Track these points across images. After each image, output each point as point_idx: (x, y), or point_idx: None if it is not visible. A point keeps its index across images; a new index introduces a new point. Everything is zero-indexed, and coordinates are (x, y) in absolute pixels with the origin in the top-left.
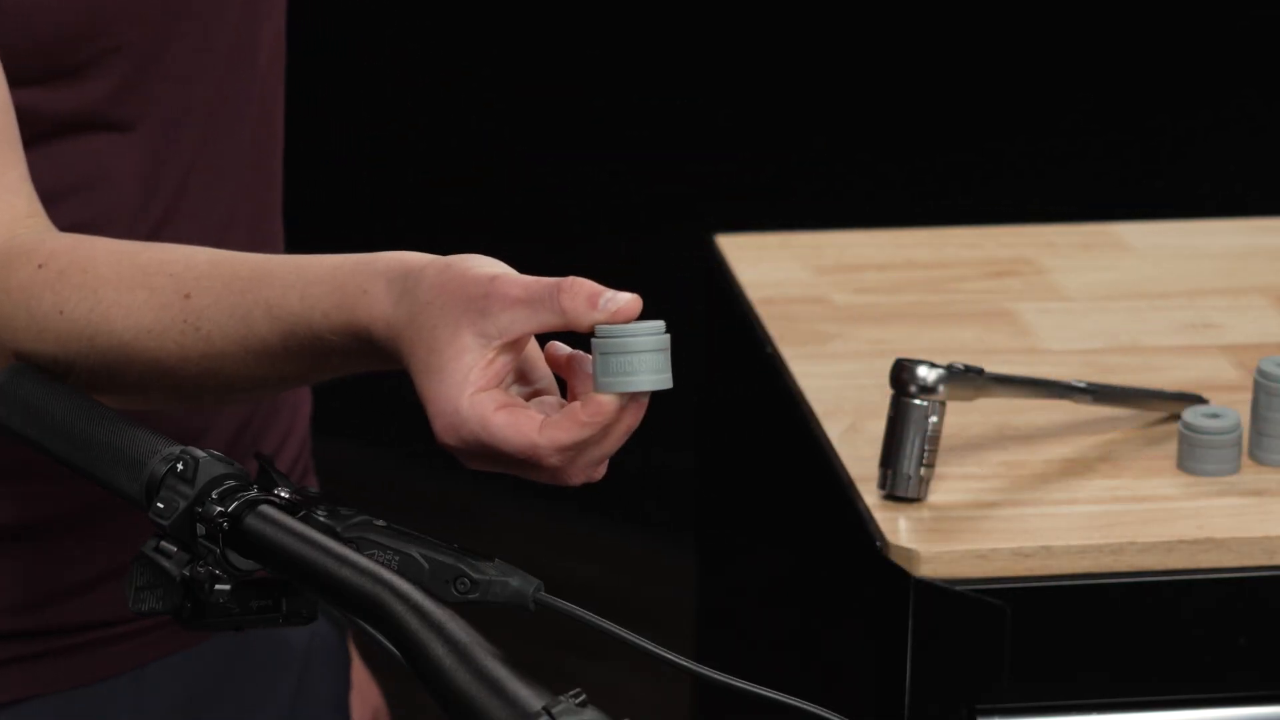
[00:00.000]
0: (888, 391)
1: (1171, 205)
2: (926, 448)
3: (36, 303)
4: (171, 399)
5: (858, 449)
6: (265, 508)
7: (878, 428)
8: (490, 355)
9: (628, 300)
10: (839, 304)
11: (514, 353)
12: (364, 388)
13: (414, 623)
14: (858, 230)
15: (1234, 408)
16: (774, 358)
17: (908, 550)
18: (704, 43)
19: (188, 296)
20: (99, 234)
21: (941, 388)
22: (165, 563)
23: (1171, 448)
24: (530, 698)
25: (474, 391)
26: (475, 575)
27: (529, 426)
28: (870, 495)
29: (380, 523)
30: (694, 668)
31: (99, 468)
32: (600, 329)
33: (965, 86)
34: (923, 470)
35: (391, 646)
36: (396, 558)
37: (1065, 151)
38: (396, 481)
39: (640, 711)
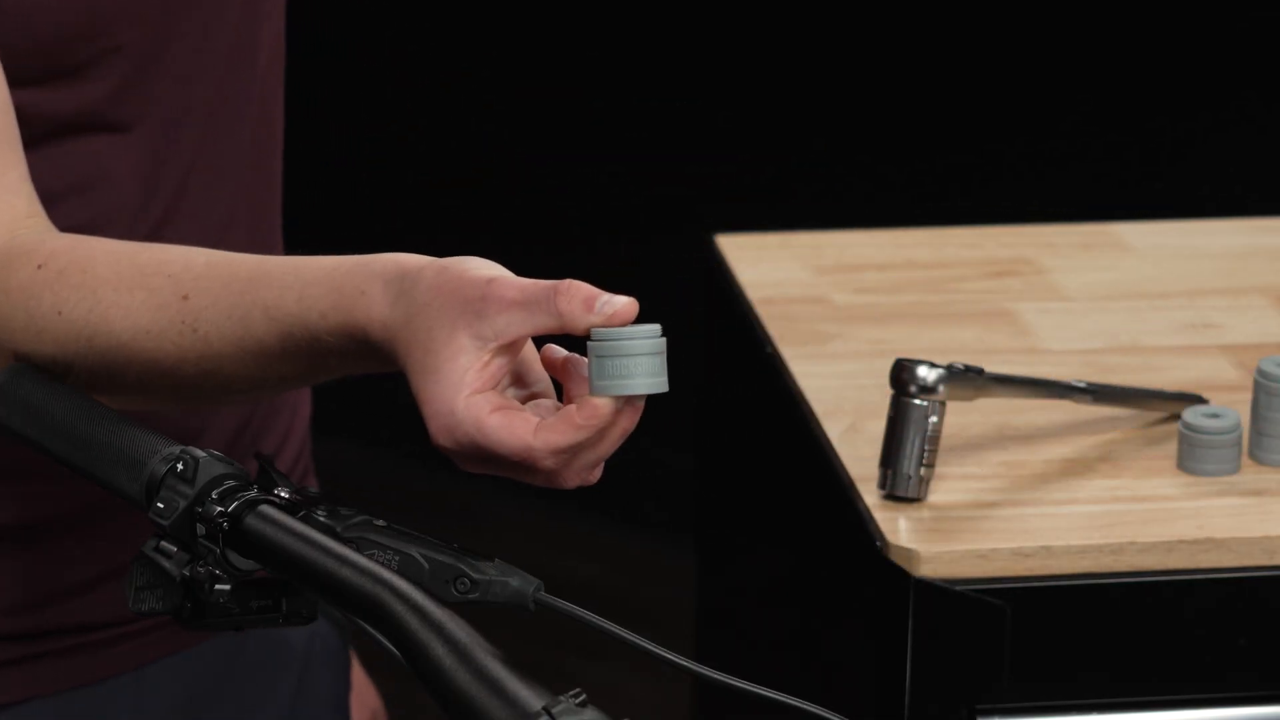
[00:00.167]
0: (888, 391)
1: (1171, 205)
2: (926, 448)
3: (35, 303)
4: (170, 399)
5: (858, 449)
6: (265, 508)
7: (878, 428)
8: (486, 357)
9: (624, 304)
10: (839, 304)
11: (510, 355)
12: (363, 388)
13: (414, 623)
14: (858, 230)
15: (1234, 408)
16: (774, 358)
17: (908, 550)
18: (704, 43)
19: (185, 297)
20: (99, 234)
21: (941, 388)
22: (165, 563)
23: (1171, 448)
24: (530, 698)
25: (469, 393)
26: (475, 575)
27: (524, 429)
28: (870, 495)
29: (380, 523)
30: (694, 668)
31: (99, 468)
32: (596, 332)
33: (965, 88)
34: (923, 470)
35: (391, 646)
36: (396, 558)
37: (1065, 152)
38: (396, 481)
39: (640, 711)
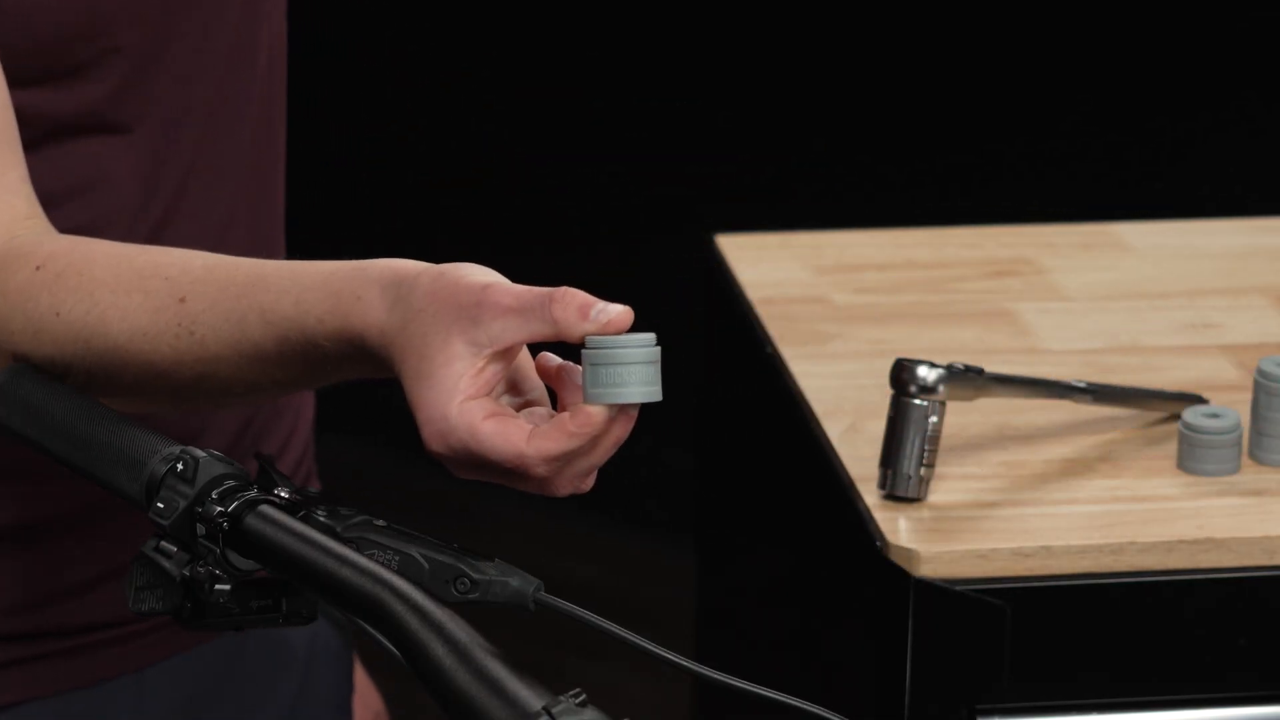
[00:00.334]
0: (888, 391)
1: (1171, 205)
2: (926, 448)
3: (33, 305)
4: (167, 401)
5: (858, 449)
6: (265, 508)
7: (878, 428)
8: (480, 364)
9: (619, 312)
10: (839, 304)
11: (504, 362)
12: (363, 388)
13: (414, 623)
14: (858, 230)
15: (1234, 408)
16: (774, 358)
17: (908, 550)
18: (704, 43)
19: (183, 300)
20: (99, 236)
21: (941, 388)
22: (165, 563)
23: (1171, 448)
24: (530, 698)
25: (463, 399)
26: (475, 575)
27: (517, 436)
28: (870, 495)
29: (380, 523)
30: (694, 668)
31: (99, 468)
32: (591, 340)
33: (965, 88)
34: (923, 470)
35: (391, 646)
36: (396, 558)
37: (1065, 152)
38: (396, 481)
39: (640, 711)
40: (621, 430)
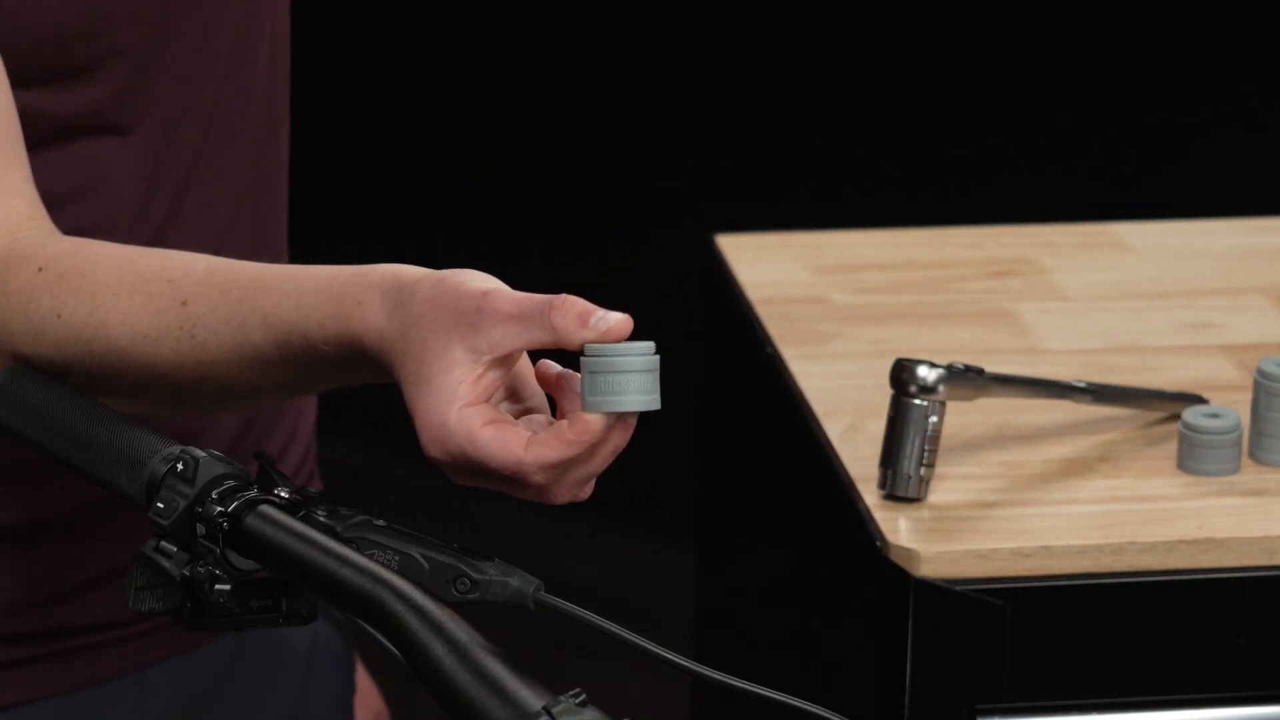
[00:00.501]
0: (888, 391)
1: (1171, 205)
2: (926, 448)
3: (35, 306)
4: (168, 404)
5: (858, 449)
6: (265, 508)
7: (878, 428)
8: (480, 370)
9: (618, 320)
10: (839, 304)
11: (504, 369)
12: (364, 389)
13: (414, 623)
14: (858, 230)
15: (1234, 408)
16: (774, 358)
17: (908, 550)
18: (704, 42)
19: (185, 303)
20: (102, 238)
21: (941, 388)
22: (165, 563)
23: (1171, 448)
24: (530, 698)
25: (462, 406)
26: (475, 575)
27: (515, 443)
28: (870, 495)
29: (380, 523)
30: (694, 668)
31: (99, 468)
32: (590, 348)
33: (964, 85)
34: (923, 470)
35: (391, 646)
36: (396, 558)
37: (1065, 150)
38: (396, 481)
39: (640, 711)
40: (620, 438)
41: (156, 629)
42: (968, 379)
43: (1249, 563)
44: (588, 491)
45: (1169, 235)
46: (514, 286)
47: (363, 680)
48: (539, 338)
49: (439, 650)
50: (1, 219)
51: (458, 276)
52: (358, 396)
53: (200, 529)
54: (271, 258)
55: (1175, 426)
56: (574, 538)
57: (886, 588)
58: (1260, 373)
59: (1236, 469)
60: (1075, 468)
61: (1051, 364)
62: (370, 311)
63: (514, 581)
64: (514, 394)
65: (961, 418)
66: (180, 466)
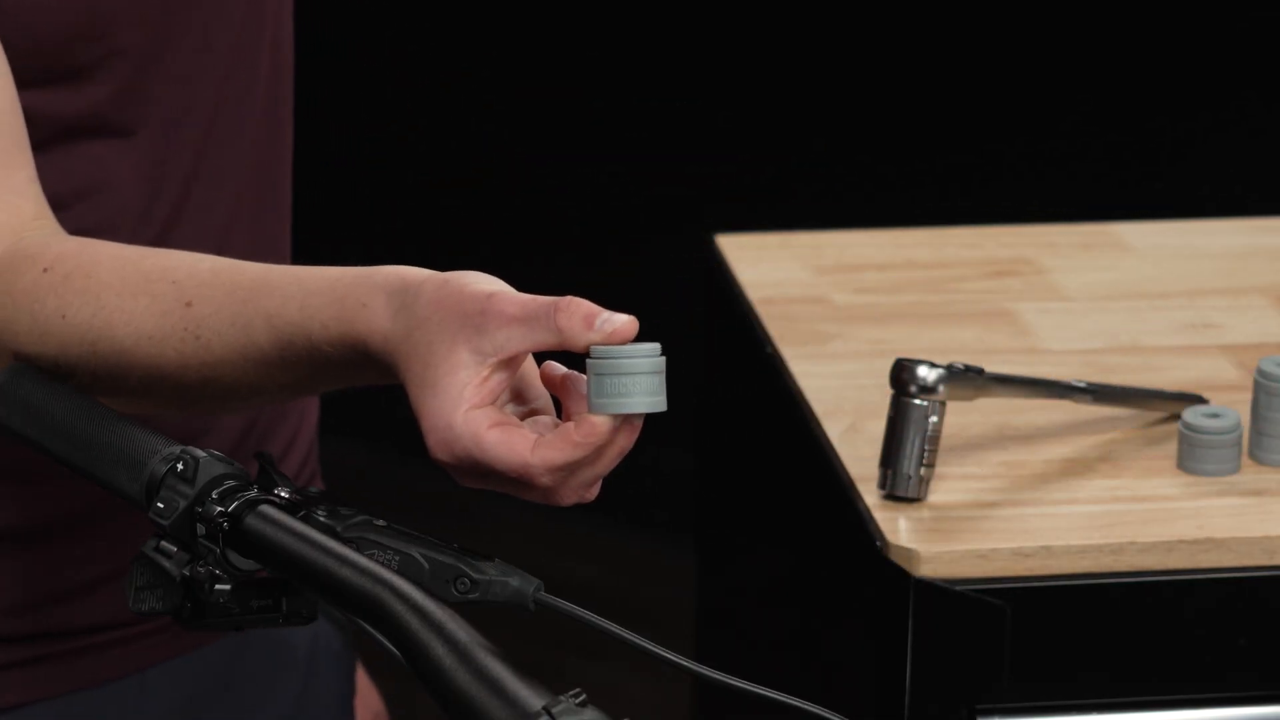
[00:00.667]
0: (888, 391)
1: (1171, 205)
2: (926, 448)
3: (40, 306)
4: (172, 405)
5: (858, 449)
6: (265, 508)
7: (878, 428)
8: (485, 372)
9: (624, 321)
10: (839, 304)
11: (509, 370)
12: (366, 390)
13: (414, 622)
14: (858, 230)
15: (1234, 408)
16: (774, 358)
17: (908, 550)
18: (704, 43)
19: (189, 304)
20: (105, 239)
21: (941, 388)
22: (165, 563)
23: (1171, 448)
24: (530, 697)
25: (468, 408)
26: (475, 575)
27: (522, 445)
28: (870, 495)
29: (380, 523)
30: (694, 668)
31: (99, 468)
32: (596, 350)
33: (965, 88)
34: (923, 470)
35: (391, 646)
36: (396, 558)
37: (1065, 152)
38: (397, 481)
39: (640, 711)
40: (626, 440)
41: (157, 629)
42: (968, 379)
43: (1249, 563)
44: (594, 493)
45: (1169, 235)
46: (516, 288)
47: (362, 680)
48: (544, 339)
49: (439, 650)
50: (7, 219)
51: (463, 279)
52: (359, 397)
53: (200, 529)
54: (274, 259)
55: (1175, 426)
56: (574, 538)
57: (886, 588)
58: (1260, 373)
59: (1236, 469)
60: (1075, 468)
61: (1051, 364)
62: (375, 313)
63: (514, 581)
64: (519, 395)
65: (961, 418)
66: (180, 466)
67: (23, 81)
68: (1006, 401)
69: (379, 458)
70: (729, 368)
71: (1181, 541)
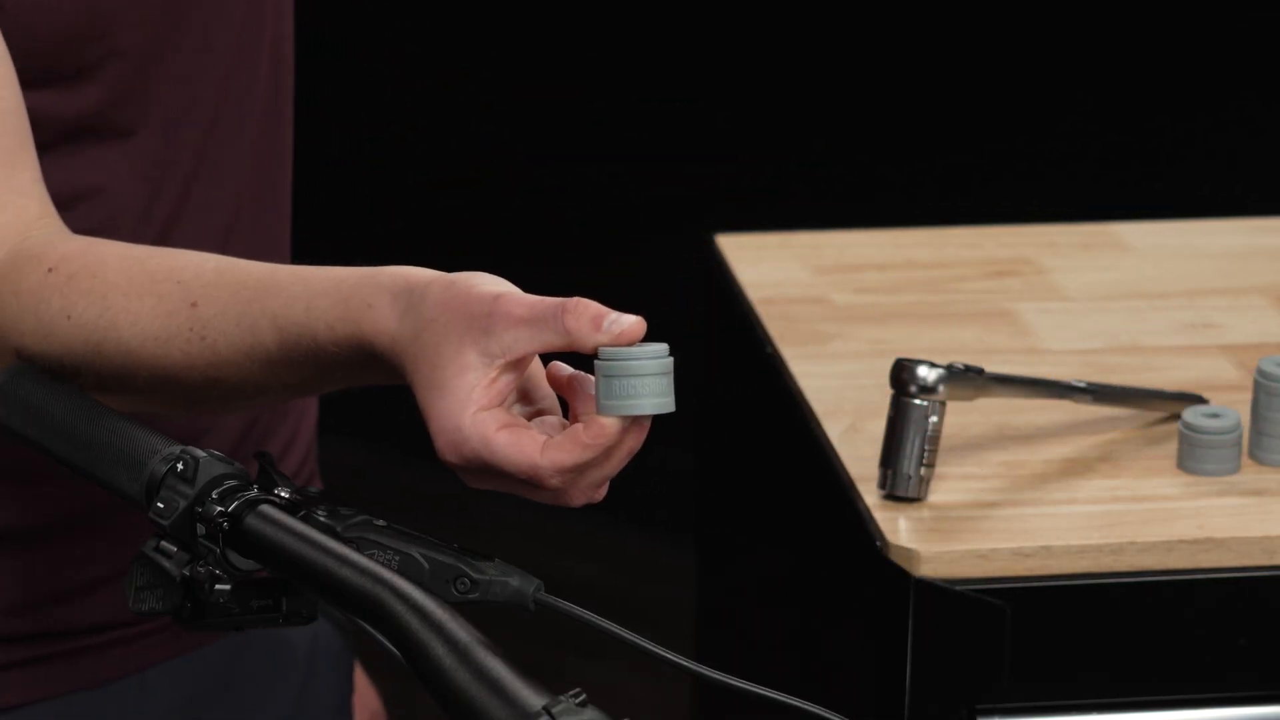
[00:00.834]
0: (888, 391)
1: (1171, 205)
2: (926, 448)
3: (45, 306)
4: (177, 405)
5: (858, 449)
6: (265, 507)
7: (878, 428)
8: (493, 374)
9: (632, 322)
10: (839, 304)
11: (517, 372)
12: (365, 389)
13: (414, 622)
14: (858, 230)
15: (1234, 408)
16: (774, 358)
17: (908, 550)
18: (704, 43)
19: (194, 305)
20: (106, 239)
21: (941, 388)
22: (165, 563)
23: (1171, 448)
24: (530, 697)
25: (476, 410)
26: (475, 575)
27: (531, 446)
28: (870, 495)
29: (380, 523)
30: (694, 668)
31: (99, 468)
32: (604, 351)
33: (965, 88)
34: (923, 470)
35: (391, 646)
36: (396, 558)
37: (1065, 152)
38: (396, 481)
39: (640, 711)
40: (634, 441)
41: (157, 629)
42: (968, 379)
43: (1249, 563)
44: (602, 493)
45: (1169, 235)
46: (518, 288)
47: (359, 680)
48: (552, 341)
49: (439, 650)
50: (12, 219)
51: (469, 280)
52: (359, 397)
53: (200, 529)
54: (274, 258)
55: (1175, 426)
56: (574, 537)
57: (886, 588)
58: (1260, 373)
59: (1236, 469)
60: (1075, 468)
61: (1051, 364)
62: (380, 314)
63: (514, 581)
64: (526, 396)
65: (961, 418)
66: (180, 466)
67: (24, 82)
68: (1006, 401)
69: (379, 458)
70: (729, 368)
71: (1181, 541)
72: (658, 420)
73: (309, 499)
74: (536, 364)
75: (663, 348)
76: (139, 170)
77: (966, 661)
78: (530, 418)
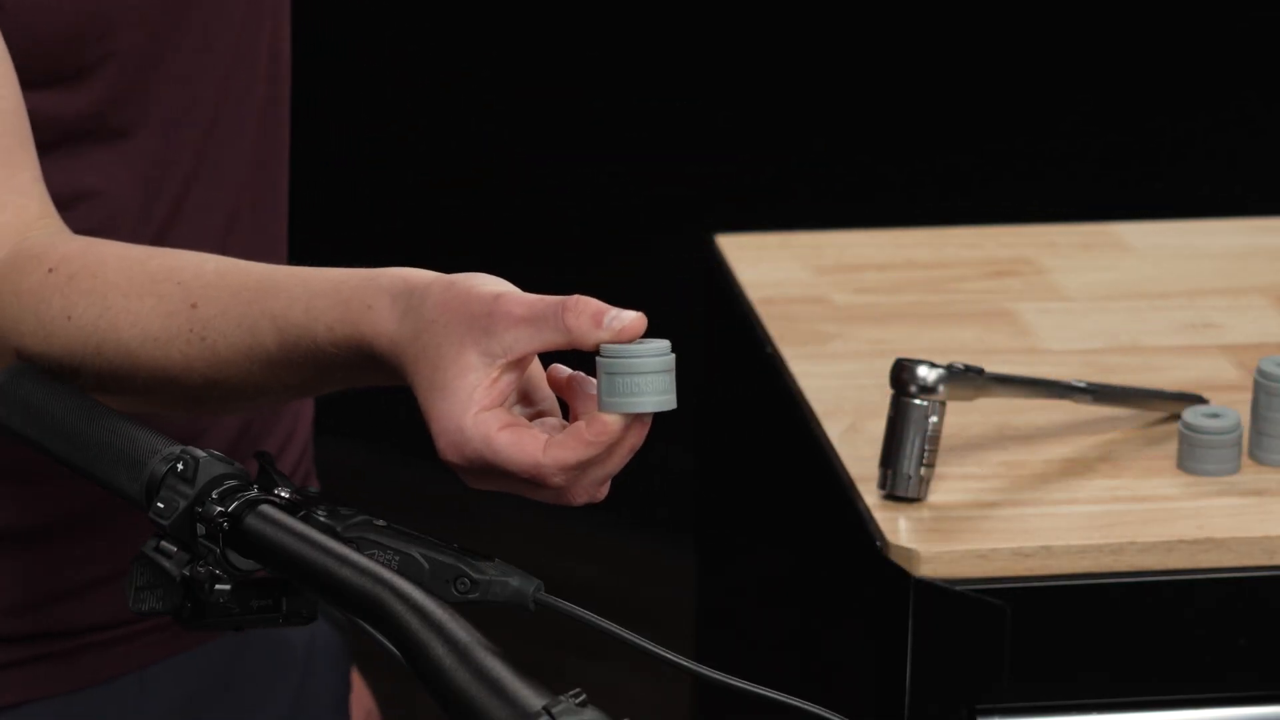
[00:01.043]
0: (888, 391)
1: (1171, 205)
2: (926, 448)
3: (45, 307)
4: (177, 405)
5: (858, 449)
6: (265, 507)
7: (878, 428)
8: (494, 374)
9: (633, 319)
10: (839, 304)
11: (518, 371)
12: (365, 388)
13: (414, 622)
14: (858, 230)
15: (1234, 408)
16: (774, 358)
17: (908, 550)
18: (704, 43)
19: (194, 306)
20: (105, 239)
21: (941, 388)
22: (165, 563)
23: (1171, 448)
24: (530, 697)
25: (478, 410)
26: (475, 575)
27: (533, 446)
28: (870, 495)
29: (380, 523)
30: (694, 668)
31: (99, 468)
32: (605, 349)
33: (965, 88)
34: (923, 470)
35: (391, 646)
36: (396, 558)
37: (1065, 152)
38: (396, 481)
39: (640, 711)
40: (636, 438)
41: (157, 629)
42: (968, 379)
43: (1249, 563)
44: (604, 491)
45: (1169, 235)
46: (519, 288)
47: (355, 679)
48: (553, 339)
49: (439, 650)
50: (12, 219)
51: (469, 280)
52: (359, 398)
53: (200, 529)
54: (272, 259)
55: (1175, 426)
56: (574, 538)
57: (886, 588)
58: (1260, 373)
59: (1236, 469)
60: (1075, 468)
61: (1051, 364)
62: (380, 315)
63: (514, 581)
64: (526, 397)
65: (961, 418)
66: (180, 466)
67: (24, 82)
68: (1006, 401)
69: (378, 458)
70: (729, 368)
71: (1181, 541)
72: (658, 418)
73: (309, 499)
74: (536, 365)
75: (664, 344)
76: (138, 170)
77: (966, 661)
78: (530, 419)
